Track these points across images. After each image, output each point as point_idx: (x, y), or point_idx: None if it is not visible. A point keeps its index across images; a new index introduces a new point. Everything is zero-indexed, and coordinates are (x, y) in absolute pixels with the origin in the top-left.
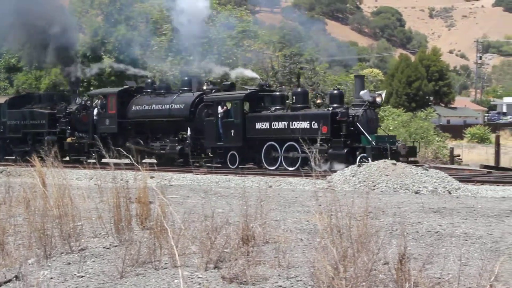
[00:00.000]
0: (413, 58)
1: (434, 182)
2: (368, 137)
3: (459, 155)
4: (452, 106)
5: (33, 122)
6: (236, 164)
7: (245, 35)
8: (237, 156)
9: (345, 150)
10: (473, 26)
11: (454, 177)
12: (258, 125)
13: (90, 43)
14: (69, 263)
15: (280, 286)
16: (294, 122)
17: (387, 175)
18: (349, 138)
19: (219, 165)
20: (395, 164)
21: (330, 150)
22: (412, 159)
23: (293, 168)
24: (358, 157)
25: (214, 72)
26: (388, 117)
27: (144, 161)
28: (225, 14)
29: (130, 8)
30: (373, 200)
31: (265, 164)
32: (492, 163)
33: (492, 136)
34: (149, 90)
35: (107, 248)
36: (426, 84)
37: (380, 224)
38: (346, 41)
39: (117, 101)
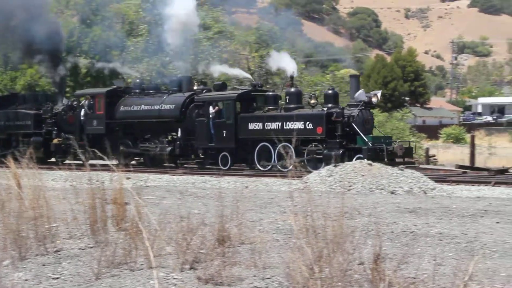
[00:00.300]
0: (389, 59)
1: (410, 182)
2: (364, 137)
3: (434, 155)
4: (427, 106)
5: (18, 123)
6: (228, 165)
7: (221, 36)
8: (229, 157)
9: (341, 151)
10: (448, 26)
11: (429, 177)
12: (251, 126)
13: (66, 44)
14: (44, 265)
15: (256, 286)
16: (288, 123)
17: (363, 176)
18: (344, 138)
19: (211, 166)
20: (370, 165)
21: (325, 151)
22: (408, 160)
23: (287, 170)
24: (354, 159)
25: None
26: None
27: (132, 162)
28: (202, 15)
29: (105, 9)
30: (349, 200)
31: (258, 165)
32: (467, 163)
33: (467, 136)
34: (137, 91)
35: (83, 250)
36: (402, 85)
37: (355, 225)
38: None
39: (105, 101)
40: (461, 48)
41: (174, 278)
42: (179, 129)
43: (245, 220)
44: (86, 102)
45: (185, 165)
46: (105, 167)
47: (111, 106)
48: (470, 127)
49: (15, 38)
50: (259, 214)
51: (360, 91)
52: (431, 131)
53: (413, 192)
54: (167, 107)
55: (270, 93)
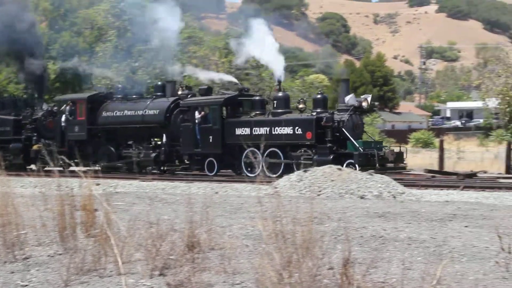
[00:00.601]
0: (358, 64)
1: (379, 187)
2: (355, 143)
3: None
4: (396, 111)
5: None
6: (215, 171)
7: (191, 41)
8: (215, 163)
9: (331, 157)
10: (417, 32)
11: (398, 182)
12: (238, 131)
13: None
14: (12, 272)
15: None
16: (276, 128)
17: (333, 181)
18: (334, 144)
19: (197, 172)
20: (340, 169)
21: (315, 157)
22: (399, 165)
23: (276, 175)
24: (345, 164)
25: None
26: None
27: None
28: None
29: (74, 14)
30: (319, 205)
31: (245, 171)
32: (436, 167)
33: (436, 141)
34: (120, 96)
35: (52, 257)
36: (371, 90)
37: (325, 229)
38: (292, 46)
39: (87, 107)
40: (429, 53)
41: (144, 285)
42: (164, 135)
43: (215, 226)
44: (67, 107)
45: (176, 172)
46: (74, 174)
47: (92, 111)
48: (439, 132)
49: None
50: (229, 220)
51: (351, 95)
52: (400, 136)
53: (383, 196)
54: (151, 112)
55: (257, 98)
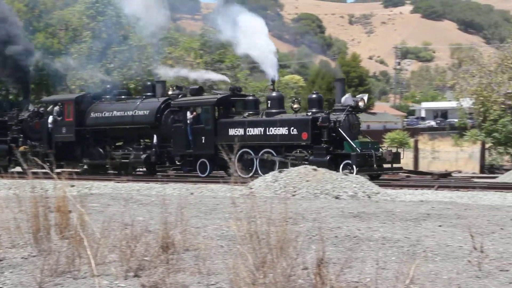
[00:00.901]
0: (333, 64)
1: (354, 187)
2: (352, 143)
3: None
4: (371, 111)
5: None
6: (207, 172)
7: (166, 42)
8: (208, 164)
9: (328, 157)
10: (392, 32)
11: (373, 182)
12: (231, 132)
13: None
14: None
15: None
16: (271, 128)
17: (308, 181)
18: (331, 144)
19: (188, 173)
20: (315, 170)
21: (311, 158)
22: (396, 165)
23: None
24: (342, 165)
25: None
26: None
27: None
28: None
29: (49, 15)
30: (293, 205)
31: (238, 172)
32: (411, 167)
33: (411, 141)
34: (108, 96)
35: (26, 259)
36: (346, 90)
37: (299, 230)
38: None
39: (74, 108)
40: (404, 53)
41: (118, 286)
42: (155, 136)
43: (190, 227)
44: (55, 108)
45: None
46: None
47: (80, 112)
48: (414, 132)
49: None
50: (204, 221)
51: (347, 95)
52: (376, 136)
53: (358, 196)
54: (141, 113)
55: (250, 98)
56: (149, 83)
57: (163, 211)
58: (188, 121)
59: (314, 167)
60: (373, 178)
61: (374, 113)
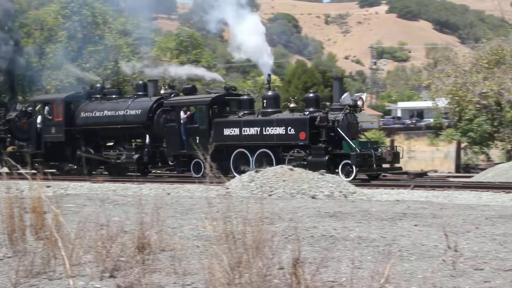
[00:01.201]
0: (309, 64)
1: (331, 186)
2: (351, 143)
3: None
4: None
5: None
6: (201, 173)
7: (142, 42)
8: (202, 164)
9: (326, 157)
10: (367, 32)
11: (350, 181)
12: (227, 131)
13: None
14: None
15: None
16: (267, 128)
17: (284, 181)
18: (329, 144)
19: (183, 174)
20: (292, 170)
21: (309, 158)
22: (396, 165)
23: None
24: (340, 165)
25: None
26: None
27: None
28: (122, 21)
29: (24, 15)
30: (270, 205)
31: (234, 173)
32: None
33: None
34: (98, 96)
35: (0, 260)
36: (323, 90)
37: (275, 230)
38: None
39: (64, 107)
40: (380, 53)
41: (94, 287)
42: (147, 136)
43: (166, 227)
44: (44, 108)
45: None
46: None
47: (70, 112)
48: (390, 132)
49: None
50: (180, 221)
51: (346, 94)
52: None
53: (334, 196)
54: (133, 112)
55: (245, 97)
56: (140, 82)
57: (139, 212)
58: (182, 121)
59: (291, 167)
60: (373, 178)
61: None
